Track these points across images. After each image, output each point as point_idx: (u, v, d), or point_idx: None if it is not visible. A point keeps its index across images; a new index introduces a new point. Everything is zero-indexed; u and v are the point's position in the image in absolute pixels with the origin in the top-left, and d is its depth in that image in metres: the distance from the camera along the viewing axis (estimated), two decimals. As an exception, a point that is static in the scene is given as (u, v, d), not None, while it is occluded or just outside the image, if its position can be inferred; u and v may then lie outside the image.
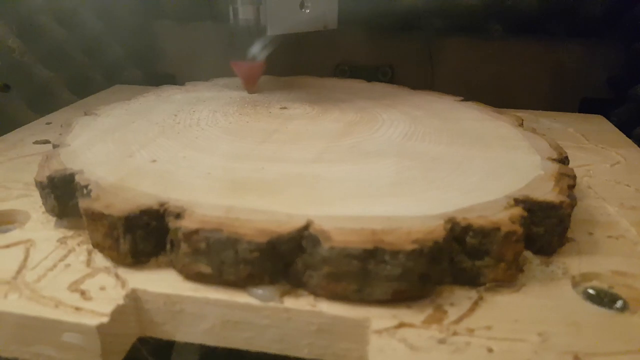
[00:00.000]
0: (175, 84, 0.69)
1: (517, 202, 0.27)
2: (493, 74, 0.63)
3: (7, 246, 0.29)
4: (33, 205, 0.33)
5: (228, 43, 0.47)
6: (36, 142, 0.43)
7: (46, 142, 0.44)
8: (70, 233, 0.30)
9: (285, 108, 0.44)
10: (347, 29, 0.62)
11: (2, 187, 0.35)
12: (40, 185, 0.30)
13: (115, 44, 0.68)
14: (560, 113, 0.55)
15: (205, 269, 0.25)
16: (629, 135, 0.48)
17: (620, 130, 0.50)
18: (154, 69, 0.70)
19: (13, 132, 0.46)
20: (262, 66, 0.48)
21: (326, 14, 0.46)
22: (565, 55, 0.61)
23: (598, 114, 0.55)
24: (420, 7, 0.61)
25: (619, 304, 0.25)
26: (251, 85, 0.49)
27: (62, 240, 0.29)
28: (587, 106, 0.61)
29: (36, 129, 0.47)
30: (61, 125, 0.39)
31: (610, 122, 0.52)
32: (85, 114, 0.41)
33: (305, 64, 0.65)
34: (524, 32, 0.61)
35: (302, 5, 0.44)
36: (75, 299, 0.24)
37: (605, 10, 0.58)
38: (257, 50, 0.45)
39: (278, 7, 0.42)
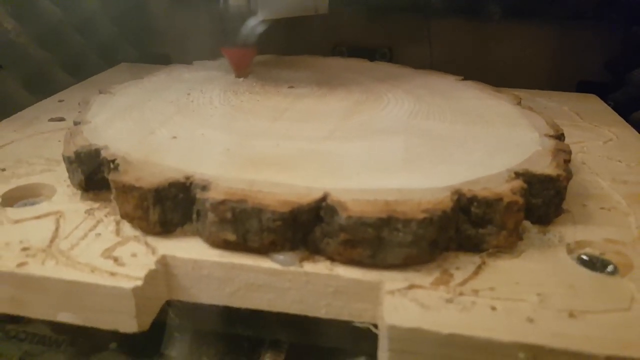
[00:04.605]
0: (169, 62, 0.70)
1: (517, 175, 0.29)
2: (491, 56, 0.64)
3: (38, 217, 0.30)
4: (57, 179, 0.34)
5: (218, 28, 0.47)
6: (51, 120, 0.45)
7: (61, 119, 0.45)
8: (96, 205, 0.32)
9: (292, 87, 0.45)
10: (345, 10, 0.63)
11: (25, 163, 0.37)
12: (67, 160, 0.32)
13: (109, 23, 0.68)
14: (556, 92, 0.57)
15: (231, 236, 0.26)
16: (626, 119, 0.50)
17: (618, 113, 0.51)
18: (148, 48, 0.71)
19: (27, 109, 0.48)
20: (254, 52, 0.48)
21: None
22: (563, 38, 0.62)
23: (594, 96, 0.57)
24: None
25: (609, 268, 0.27)
26: (242, 70, 0.48)
27: (89, 212, 0.31)
28: (584, 89, 0.62)
29: (49, 106, 0.48)
30: (79, 103, 0.40)
31: (607, 105, 0.54)
32: (100, 93, 0.42)
33: (303, 46, 0.66)
34: (523, 14, 0.62)
35: None
36: (109, 265, 0.26)
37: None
38: (248, 36, 0.45)
39: None
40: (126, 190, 0.28)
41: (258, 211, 0.26)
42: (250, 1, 0.43)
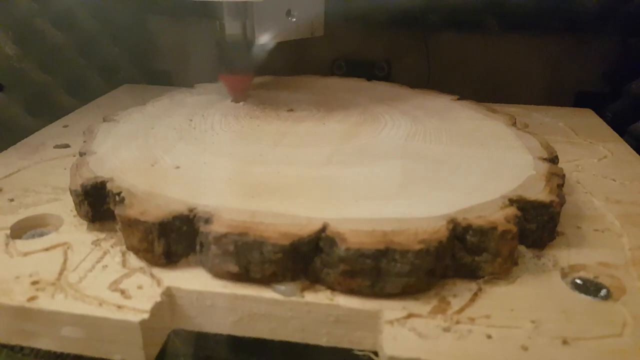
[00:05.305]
0: (171, 81, 0.71)
1: (511, 202, 0.30)
2: (489, 68, 0.64)
3: (47, 249, 0.31)
4: (64, 208, 0.35)
5: (215, 56, 0.48)
6: (57, 147, 0.46)
7: (66, 146, 0.46)
8: (102, 235, 0.33)
9: (292, 110, 0.46)
10: (343, 24, 0.64)
11: (32, 192, 0.38)
12: (74, 194, 0.32)
13: (110, 44, 0.68)
14: (551, 107, 0.57)
15: (233, 268, 0.27)
16: (623, 131, 0.50)
17: (615, 125, 0.52)
18: (149, 67, 0.72)
19: (32, 135, 0.48)
20: (250, 78, 0.49)
21: (313, 21, 0.47)
22: (560, 50, 0.63)
23: (593, 107, 0.57)
24: (416, 2, 0.63)
25: (603, 292, 0.28)
26: (239, 96, 0.49)
27: (96, 243, 0.32)
28: (582, 100, 0.63)
29: (54, 132, 0.49)
30: (84, 133, 0.41)
31: (605, 116, 0.55)
32: (104, 120, 0.43)
33: (302, 60, 0.67)
34: (520, 26, 0.63)
35: (288, 14, 0.45)
36: (116, 297, 0.27)
37: (600, 4, 0.60)
38: (245, 63, 0.46)
39: (265, 17, 0.44)
40: (132, 224, 0.29)
41: (259, 244, 0.27)
42: (246, 30, 0.44)
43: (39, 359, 0.34)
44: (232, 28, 0.43)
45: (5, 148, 0.45)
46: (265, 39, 0.44)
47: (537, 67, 0.64)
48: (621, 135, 0.49)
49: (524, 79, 0.65)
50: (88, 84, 0.64)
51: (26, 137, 0.48)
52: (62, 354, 0.34)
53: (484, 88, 0.59)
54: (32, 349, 0.34)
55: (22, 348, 0.34)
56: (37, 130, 0.50)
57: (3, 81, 0.52)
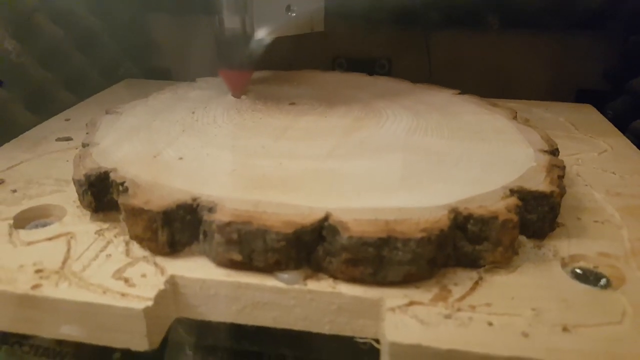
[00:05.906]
0: (170, 78, 0.71)
1: (512, 192, 0.30)
2: (490, 66, 0.65)
3: (50, 239, 0.31)
4: (67, 200, 0.36)
5: (214, 50, 0.48)
6: (59, 139, 0.46)
7: (68, 139, 0.46)
8: (106, 225, 0.33)
9: (294, 104, 0.47)
10: (344, 22, 0.64)
11: (35, 184, 0.38)
12: (78, 183, 0.33)
13: (110, 40, 0.69)
14: (552, 103, 0.58)
15: (237, 256, 0.28)
16: (625, 129, 0.51)
17: (616, 122, 0.52)
18: (149, 64, 0.72)
19: (34, 128, 0.49)
20: (250, 73, 0.49)
21: (312, 16, 0.48)
22: (562, 47, 0.63)
23: (594, 105, 0.57)
24: (417, -1, 0.63)
25: (602, 281, 0.28)
26: (239, 91, 0.49)
27: (99, 233, 0.32)
28: (583, 98, 0.63)
29: (56, 125, 0.50)
30: (86, 124, 0.41)
31: (606, 114, 0.55)
32: (107, 113, 0.43)
33: (302, 58, 0.67)
34: (521, 25, 0.63)
35: (288, 9, 0.45)
36: (120, 285, 0.27)
37: (602, 2, 0.60)
38: (244, 59, 0.46)
39: (264, 12, 0.44)
40: (135, 213, 0.29)
41: (263, 232, 0.27)
42: (245, 24, 0.44)
43: (38, 356, 0.34)
44: (231, 22, 0.44)
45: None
46: (264, 34, 0.44)
47: (538, 65, 0.64)
48: (622, 133, 0.50)
49: (525, 78, 0.65)
50: (87, 80, 0.64)
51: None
52: (61, 350, 0.34)
53: (484, 87, 0.58)
54: (31, 346, 0.34)
55: (21, 345, 0.34)
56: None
57: (2, 77, 0.52)
